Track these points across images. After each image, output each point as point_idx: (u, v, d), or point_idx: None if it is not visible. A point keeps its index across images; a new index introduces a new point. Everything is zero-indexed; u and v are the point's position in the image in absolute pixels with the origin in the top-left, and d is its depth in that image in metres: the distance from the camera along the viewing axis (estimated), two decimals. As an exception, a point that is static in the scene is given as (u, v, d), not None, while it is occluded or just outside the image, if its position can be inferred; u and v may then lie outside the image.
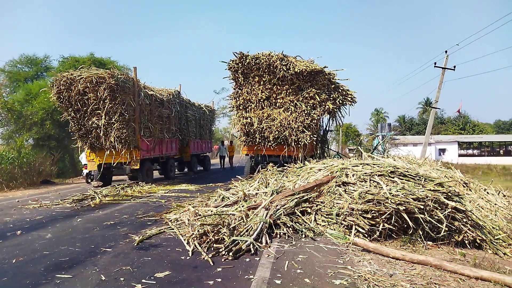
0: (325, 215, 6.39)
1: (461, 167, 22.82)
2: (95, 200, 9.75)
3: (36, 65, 25.69)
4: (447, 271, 4.19)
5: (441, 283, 3.85)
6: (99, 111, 11.97)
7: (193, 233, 5.44)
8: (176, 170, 19.43)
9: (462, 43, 67.24)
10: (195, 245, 5.11)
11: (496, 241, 5.74)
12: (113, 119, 12.02)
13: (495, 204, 7.60)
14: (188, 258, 4.76)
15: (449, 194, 5.79)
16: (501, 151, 51.40)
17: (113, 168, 13.36)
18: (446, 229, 5.31)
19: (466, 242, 5.53)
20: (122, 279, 4.02)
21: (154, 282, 3.91)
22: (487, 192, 8.37)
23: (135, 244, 5.42)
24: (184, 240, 5.45)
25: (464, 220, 5.61)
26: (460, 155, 44.91)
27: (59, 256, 4.95)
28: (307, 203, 6.79)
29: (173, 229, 6.19)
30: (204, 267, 4.37)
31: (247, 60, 11.66)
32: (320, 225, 6.18)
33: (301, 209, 6.62)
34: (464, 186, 8.32)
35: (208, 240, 5.21)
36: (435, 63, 21.41)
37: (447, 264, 4.28)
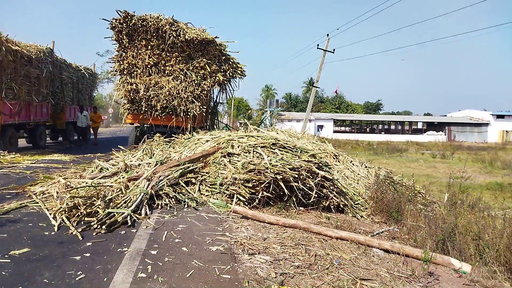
0: (209, 185, 6.47)
1: (335, 142, 25.64)
2: None
3: None
4: (314, 233, 4.67)
5: (308, 243, 4.28)
6: None
7: (61, 207, 4.90)
8: (49, 139, 17.26)
9: (342, 27, 73.78)
10: (62, 220, 4.63)
11: (356, 206, 6.61)
12: (-38, 76, 9.91)
13: (358, 174, 8.68)
14: (53, 233, 4.29)
15: (320, 164, 6.41)
16: (367, 128, 59.44)
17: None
18: (316, 195, 5.90)
19: (332, 207, 6.24)
20: (-34, 259, 3.43)
21: (9, 261, 3.44)
22: (353, 164, 9.51)
23: (-13, 221, 4.66)
24: (50, 214, 4.89)
25: (331, 187, 6.30)
26: (335, 131, 50.38)
27: None
28: (193, 174, 6.77)
29: (37, 202, 5.49)
30: (71, 242, 4.00)
31: (133, 21, 10.75)
32: (204, 195, 6.24)
33: (186, 180, 6.57)
34: (334, 158, 9.30)
35: (79, 213, 4.76)
36: (318, 45, 23.11)
37: (313, 227, 4.77)
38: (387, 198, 6.18)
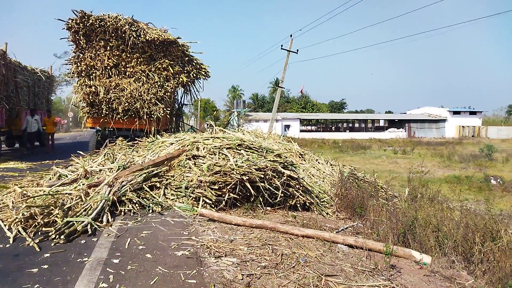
0: (174, 189, 6.35)
1: (301, 141, 26.07)
2: None
3: None
4: (280, 232, 4.71)
5: (274, 243, 4.30)
6: None
7: (16, 217, 4.63)
8: (4, 145, 16.28)
9: (304, 28, 74.89)
10: (18, 231, 4.38)
11: (321, 203, 6.73)
12: None
13: (323, 172, 8.86)
14: (8, 246, 4.05)
15: (286, 163, 6.48)
16: (333, 127, 60.87)
17: None
18: (282, 195, 5.95)
19: (298, 205, 6.32)
20: None
21: (-43, 278, 3.20)
22: (318, 162, 9.70)
23: None
24: (5, 226, 4.61)
25: (297, 186, 6.38)
26: (301, 131, 51.18)
27: None
28: (157, 178, 6.61)
29: (-10, 214, 5.15)
30: (28, 254, 3.79)
31: (90, 21, 10.36)
32: (169, 199, 6.11)
33: (150, 184, 6.40)
34: (300, 157, 9.44)
35: (36, 224, 4.52)
36: (281, 46, 23.39)
37: (280, 226, 4.80)
38: (351, 195, 6.35)
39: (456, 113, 53.63)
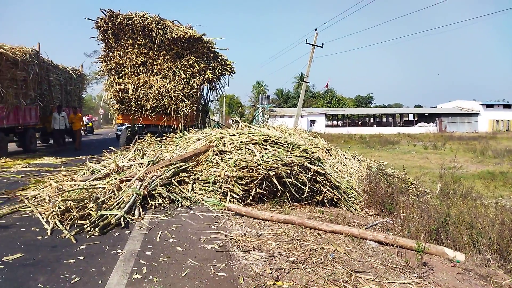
0: (202, 184, 6.44)
1: (327, 136, 25.76)
2: None
3: None
4: (308, 228, 4.69)
5: (302, 238, 4.29)
6: None
7: (53, 211, 4.85)
8: (39, 142, 17.03)
9: (330, 22, 73.66)
10: (55, 223, 4.58)
11: (349, 199, 6.64)
12: None
13: (351, 168, 8.73)
14: (46, 238, 4.24)
15: (312, 159, 6.43)
16: (359, 122, 59.78)
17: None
18: (309, 190, 5.92)
19: (326, 201, 6.26)
20: (-41, 267, 3.38)
21: (2, 267, 3.40)
22: (345, 157, 9.57)
23: (-21, 227, 4.59)
24: (43, 218, 4.83)
25: (324, 182, 6.32)
26: (327, 126, 50.60)
27: None
28: (185, 173, 6.73)
29: (29, 207, 5.43)
30: (65, 246, 3.96)
31: (118, 20, 10.64)
32: (197, 193, 6.21)
33: (179, 179, 6.53)
34: (326, 153, 9.34)
35: (72, 216, 4.71)
36: (306, 40, 23.14)
37: (307, 221, 4.78)
38: (380, 191, 6.23)
39: (489, 106, 51.35)
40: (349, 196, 6.75)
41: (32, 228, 4.57)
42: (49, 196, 5.76)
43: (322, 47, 22.91)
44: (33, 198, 5.92)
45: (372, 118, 60.96)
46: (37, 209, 5.27)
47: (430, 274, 3.50)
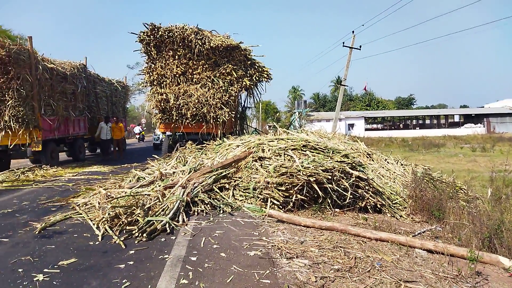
0: (242, 190, 6.51)
1: (367, 140, 25.08)
2: (-13, 188, 8.58)
3: None
4: (351, 235, 4.58)
5: (346, 246, 4.20)
6: (-11, 87, 10.41)
7: (103, 217, 5.10)
8: (88, 151, 18.01)
9: (367, 23, 71.91)
10: (105, 229, 4.81)
11: (394, 205, 6.42)
12: (6, 96, 10.57)
13: (394, 172, 8.44)
14: (97, 243, 4.46)
15: (354, 164, 6.29)
16: (401, 125, 57.77)
17: (11, 151, 11.85)
18: (351, 196, 5.79)
19: (369, 207, 6.09)
20: (20, 270, 3.63)
21: (58, 271, 3.60)
22: (388, 162, 9.27)
23: (37, 232, 4.91)
24: (93, 224, 5.09)
25: (367, 187, 6.16)
26: (366, 129, 49.34)
27: None
28: (226, 179, 6.83)
29: (81, 214, 5.75)
30: (115, 251, 4.15)
31: (160, 33, 11.09)
32: (238, 200, 6.28)
33: (220, 186, 6.64)
34: (367, 157, 9.11)
35: (120, 223, 4.93)
36: (343, 43, 22.79)
37: (351, 228, 4.67)
38: (427, 196, 5.97)
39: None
40: (394, 202, 6.52)
41: (84, 234, 4.83)
42: (98, 203, 6.06)
43: (360, 49, 22.52)
44: (84, 205, 6.25)
45: (414, 120, 58.66)
46: (88, 216, 5.55)
47: (485, 284, 3.31)
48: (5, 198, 7.54)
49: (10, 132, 10.99)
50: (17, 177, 10.25)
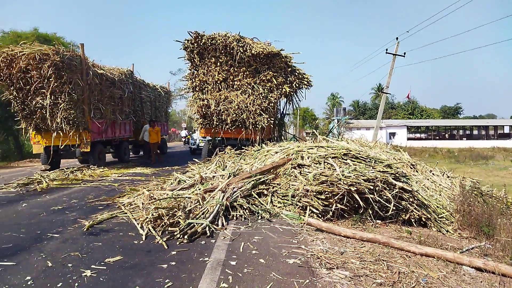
0: (281, 197, 6.49)
1: (410, 150, 24.17)
2: (41, 185, 9.19)
3: (-28, 40, 23.29)
4: (395, 248, 4.43)
5: (389, 259, 4.06)
6: (44, 90, 11.20)
7: (147, 217, 5.30)
8: (131, 153, 18.78)
9: (412, 30, 69.76)
10: (149, 229, 4.99)
11: (440, 219, 6.14)
12: (59, 99, 11.31)
13: (439, 185, 8.08)
14: (141, 242, 4.64)
15: (397, 175, 6.09)
16: (446, 135, 55.07)
17: (61, 151, 12.65)
18: (394, 208, 5.60)
19: (413, 220, 5.87)
20: (70, 265, 3.86)
21: (105, 268, 3.78)
22: (433, 173, 8.88)
23: (85, 229, 5.20)
24: (138, 224, 5.31)
25: (411, 199, 5.94)
26: (408, 139, 47.50)
27: (1, 243, 4.64)
28: (264, 185, 6.85)
29: (126, 213, 6.00)
30: (158, 251, 4.29)
31: (203, 40, 11.39)
32: (276, 206, 6.27)
33: (258, 191, 6.66)
34: (411, 168, 8.78)
35: (163, 223, 5.10)
36: (386, 50, 22.21)
37: (394, 242, 4.52)
38: (476, 211, 5.66)
39: None
40: (440, 216, 6.24)
41: (129, 233, 5.04)
42: (142, 204, 6.30)
43: (404, 56, 21.84)
44: (129, 205, 6.53)
45: (461, 131, 55.76)
46: (132, 216, 5.79)
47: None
48: (56, 195, 8.04)
49: (61, 133, 11.74)
50: (66, 176, 10.89)
